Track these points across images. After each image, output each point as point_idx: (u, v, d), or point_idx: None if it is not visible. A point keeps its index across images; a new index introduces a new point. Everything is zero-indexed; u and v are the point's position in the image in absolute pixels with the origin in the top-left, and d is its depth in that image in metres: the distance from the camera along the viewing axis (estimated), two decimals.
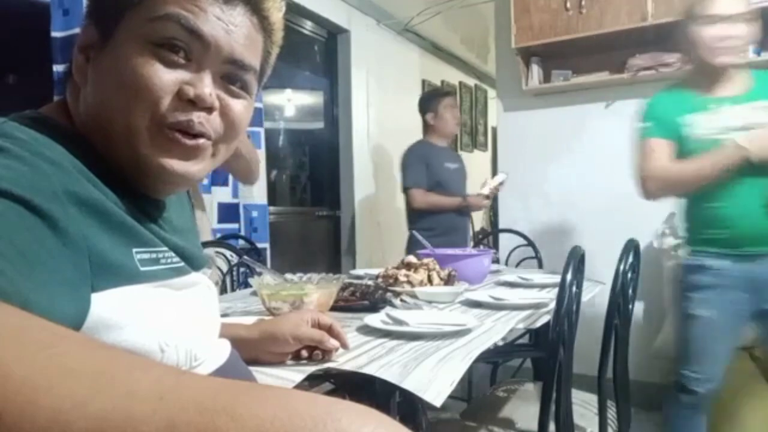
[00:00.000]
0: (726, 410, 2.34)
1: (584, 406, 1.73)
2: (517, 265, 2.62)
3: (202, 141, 0.59)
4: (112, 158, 0.58)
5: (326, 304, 1.28)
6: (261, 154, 2.65)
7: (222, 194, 2.47)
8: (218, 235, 2.46)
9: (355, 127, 3.68)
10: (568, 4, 2.76)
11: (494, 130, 5.15)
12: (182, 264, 0.63)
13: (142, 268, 0.56)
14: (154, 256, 0.58)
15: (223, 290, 1.94)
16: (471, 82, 5.53)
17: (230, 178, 2.51)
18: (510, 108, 3.24)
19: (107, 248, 0.51)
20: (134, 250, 0.55)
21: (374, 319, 1.16)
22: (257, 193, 2.61)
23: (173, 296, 0.60)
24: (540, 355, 1.59)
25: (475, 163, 5.59)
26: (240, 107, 0.62)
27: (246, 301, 1.55)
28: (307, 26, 3.46)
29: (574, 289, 1.19)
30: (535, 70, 3.01)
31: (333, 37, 3.66)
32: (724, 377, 2.40)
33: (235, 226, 2.53)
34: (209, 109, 0.59)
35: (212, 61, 0.59)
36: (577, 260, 1.15)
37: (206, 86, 0.58)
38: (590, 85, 2.91)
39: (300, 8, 3.21)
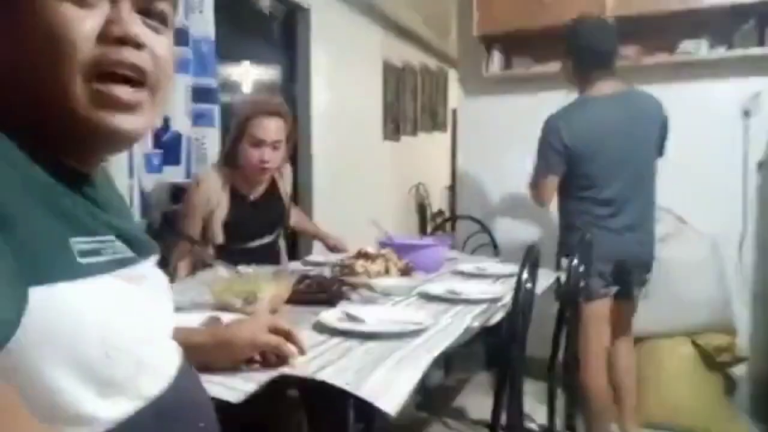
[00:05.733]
0: (664, 393, 2.45)
1: (534, 395, 1.78)
2: (473, 251, 2.64)
3: (139, 95, 0.56)
4: (35, 129, 0.53)
5: (280, 298, 1.26)
6: (216, 133, 2.57)
7: (174, 174, 2.38)
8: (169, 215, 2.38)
9: (314, 105, 3.61)
10: None
11: (454, 111, 5.15)
12: (130, 253, 0.58)
13: (82, 260, 0.50)
14: (95, 246, 0.53)
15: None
16: (432, 63, 5.50)
17: (183, 156, 2.42)
18: (471, 93, 3.24)
19: (37, 236, 0.46)
20: (72, 239, 0.50)
21: (330, 316, 1.15)
22: None
23: (120, 292, 0.54)
24: (493, 341, 1.61)
25: (435, 144, 5.60)
26: (163, 43, 0.59)
27: (198, 289, 1.48)
28: (265, 2, 3.35)
29: (528, 285, 1.20)
30: (497, 56, 3.01)
31: (292, 14, 3.55)
32: (663, 362, 2.52)
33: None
34: (138, 46, 0.55)
35: None
36: (532, 260, 1.16)
37: (129, 24, 0.54)
38: (550, 74, 2.92)
39: None
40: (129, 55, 0.55)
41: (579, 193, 2.05)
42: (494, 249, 2.57)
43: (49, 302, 0.46)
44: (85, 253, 0.51)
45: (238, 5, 3.14)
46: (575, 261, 1.56)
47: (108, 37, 0.53)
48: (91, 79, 0.53)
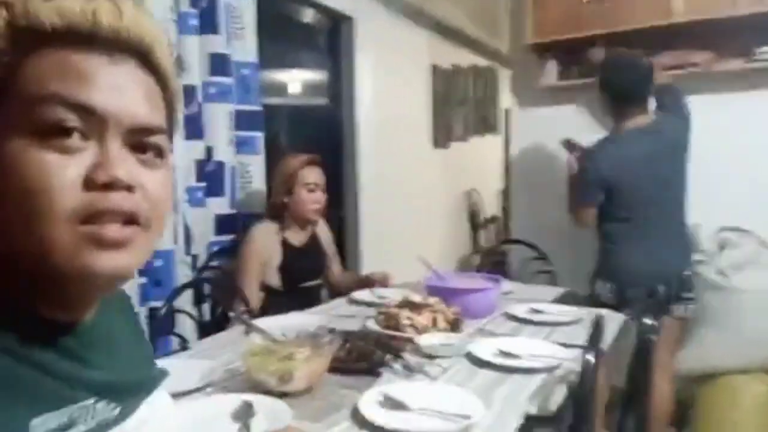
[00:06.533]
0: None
1: None
2: (530, 279, 2.49)
3: (129, 231, 0.49)
4: (7, 285, 0.48)
5: (318, 375, 1.18)
6: (260, 161, 2.51)
7: (218, 206, 2.34)
8: (215, 249, 2.35)
9: (359, 115, 3.50)
10: None
11: (506, 111, 4.95)
12: (116, 409, 0.52)
13: None
14: (68, 418, 0.47)
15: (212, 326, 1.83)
16: (481, 62, 5.29)
17: (227, 187, 2.38)
18: (524, 103, 3.07)
19: None
20: (35, 421, 0.44)
21: (369, 405, 1.05)
22: (256, 201, 2.49)
23: None
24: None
25: (487, 147, 5.41)
26: (157, 180, 0.52)
27: (232, 353, 1.40)
28: (309, 15, 3.27)
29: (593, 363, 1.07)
30: (552, 65, 2.83)
31: (337, 24, 3.46)
32: (738, 399, 2.32)
33: (233, 236, 2.41)
34: (129, 188, 0.49)
35: (114, 133, 0.48)
36: (597, 342, 1.03)
37: (117, 166, 0.48)
38: None
39: None
40: (117, 200, 0.48)
41: (617, 218, 2.16)
42: (552, 278, 2.42)
43: None
44: None
45: (283, 19, 3.07)
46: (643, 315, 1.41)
47: (94, 182, 0.47)
48: (75, 223, 0.47)
